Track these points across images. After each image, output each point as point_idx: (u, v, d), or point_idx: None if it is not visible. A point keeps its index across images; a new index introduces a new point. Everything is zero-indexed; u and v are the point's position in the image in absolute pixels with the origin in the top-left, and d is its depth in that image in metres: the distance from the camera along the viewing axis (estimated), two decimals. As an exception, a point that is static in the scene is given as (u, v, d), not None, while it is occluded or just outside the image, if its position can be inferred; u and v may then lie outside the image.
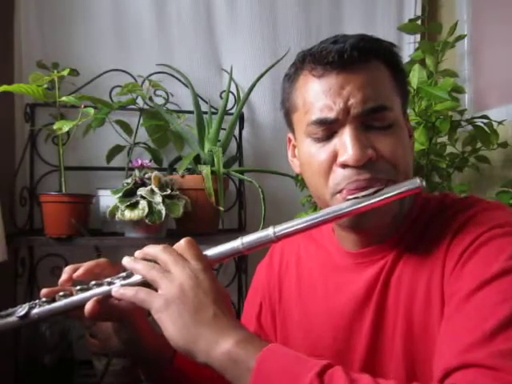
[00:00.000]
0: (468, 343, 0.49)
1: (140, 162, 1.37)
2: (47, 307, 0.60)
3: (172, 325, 0.53)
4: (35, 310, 0.59)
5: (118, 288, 0.57)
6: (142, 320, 0.66)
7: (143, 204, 1.27)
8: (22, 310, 0.59)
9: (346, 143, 0.61)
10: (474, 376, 0.46)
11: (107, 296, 0.59)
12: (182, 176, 1.40)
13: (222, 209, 1.37)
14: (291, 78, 0.69)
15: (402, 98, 0.67)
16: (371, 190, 0.59)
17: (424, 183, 0.59)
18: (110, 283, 0.59)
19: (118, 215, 1.27)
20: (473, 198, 0.67)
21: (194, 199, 1.38)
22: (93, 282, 0.60)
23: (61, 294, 0.60)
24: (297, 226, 0.60)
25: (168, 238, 1.41)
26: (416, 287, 0.63)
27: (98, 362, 1.30)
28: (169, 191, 1.32)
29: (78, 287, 0.60)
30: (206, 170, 1.35)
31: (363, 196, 0.59)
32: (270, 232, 0.60)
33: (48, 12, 1.52)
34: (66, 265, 1.51)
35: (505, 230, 0.58)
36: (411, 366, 0.62)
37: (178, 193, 1.34)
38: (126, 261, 0.59)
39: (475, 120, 1.34)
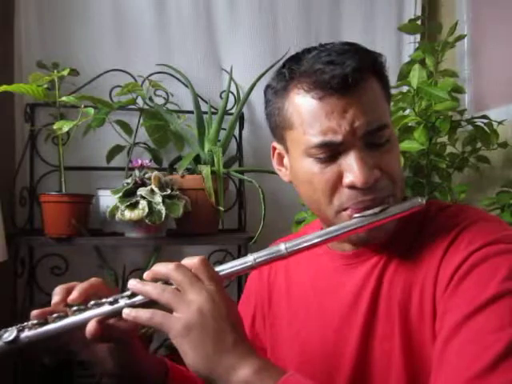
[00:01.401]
0: (469, 375, 0.49)
1: (140, 162, 1.37)
2: (39, 330, 0.55)
3: (193, 351, 0.52)
4: (25, 333, 0.55)
5: (129, 310, 0.55)
6: (137, 340, 0.65)
7: (143, 204, 1.27)
8: (9, 335, 0.54)
9: (352, 165, 0.61)
10: None
11: (106, 317, 0.57)
12: (182, 176, 1.40)
13: (221, 209, 1.37)
14: (278, 92, 0.67)
15: (389, 106, 0.69)
16: (377, 209, 0.61)
17: (424, 201, 0.62)
18: (112, 302, 0.57)
19: (118, 215, 1.27)
20: (460, 206, 0.68)
21: (194, 199, 1.38)
22: (92, 302, 0.57)
23: (54, 315, 0.56)
24: (309, 241, 0.61)
25: (168, 237, 1.42)
26: (410, 294, 0.63)
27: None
28: (169, 191, 1.32)
29: (75, 307, 0.57)
30: (205, 170, 1.35)
31: (369, 214, 0.61)
32: (281, 248, 0.60)
33: (48, 12, 1.53)
34: (66, 265, 1.53)
35: (498, 248, 0.57)
36: (412, 370, 0.61)
37: (177, 193, 1.35)
38: (133, 284, 0.57)
39: (475, 120, 1.34)
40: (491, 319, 0.52)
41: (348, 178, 0.62)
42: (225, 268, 0.60)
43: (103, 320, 0.56)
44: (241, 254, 1.56)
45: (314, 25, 1.70)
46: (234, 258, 1.54)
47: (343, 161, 0.62)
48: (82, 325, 0.55)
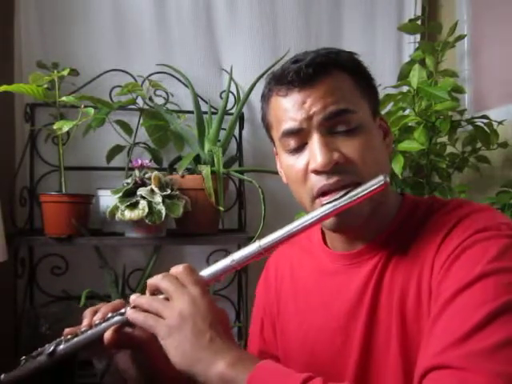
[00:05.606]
0: (445, 345, 0.51)
1: (140, 162, 1.37)
2: (71, 342, 0.65)
3: (174, 351, 0.57)
4: (61, 346, 0.65)
5: (131, 311, 0.62)
6: (157, 345, 0.66)
7: (143, 204, 1.27)
8: (48, 348, 0.65)
9: (313, 150, 0.65)
10: (443, 377, 0.49)
11: (122, 325, 0.63)
12: (182, 176, 1.40)
13: (221, 209, 1.37)
14: (265, 98, 0.73)
15: (371, 102, 0.70)
16: (341, 193, 0.63)
17: (387, 179, 0.62)
18: (122, 313, 0.64)
19: (118, 215, 1.27)
20: (459, 200, 0.70)
21: (194, 199, 1.38)
22: (109, 315, 0.65)
23: (82, 329, 0.66)
24: (280, 235, 0.64)
25: (168, 237, 1.42)
26: (408, 288, 0.64)
27: (99, 362, 1.30)
28: (169, 191, 1.32)
29: (97, 321, 0.66)
30: (205, 170, 1.35)
31: (335, 199, 0.63)
32: (256, 245, 0.63)
33: (48, 12, 1.52)
34: (66, 265, 1.53)
35: (488, 234, 0.60)
36: (409, 366, 0.62)
37: (177, 193, 1.35)
38: (132, 299, 0.63)
39: (475, 120, 1.34)
40: (475, 296, 0.54)
41: (311, 165, 0.65)
42: (208, 272, 0.64)
43: (119, 328, 0.63)
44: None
45: (314, 25, 1.70)
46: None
47: (308, 149, 0.66)
48: (102, 334, 0.64)
